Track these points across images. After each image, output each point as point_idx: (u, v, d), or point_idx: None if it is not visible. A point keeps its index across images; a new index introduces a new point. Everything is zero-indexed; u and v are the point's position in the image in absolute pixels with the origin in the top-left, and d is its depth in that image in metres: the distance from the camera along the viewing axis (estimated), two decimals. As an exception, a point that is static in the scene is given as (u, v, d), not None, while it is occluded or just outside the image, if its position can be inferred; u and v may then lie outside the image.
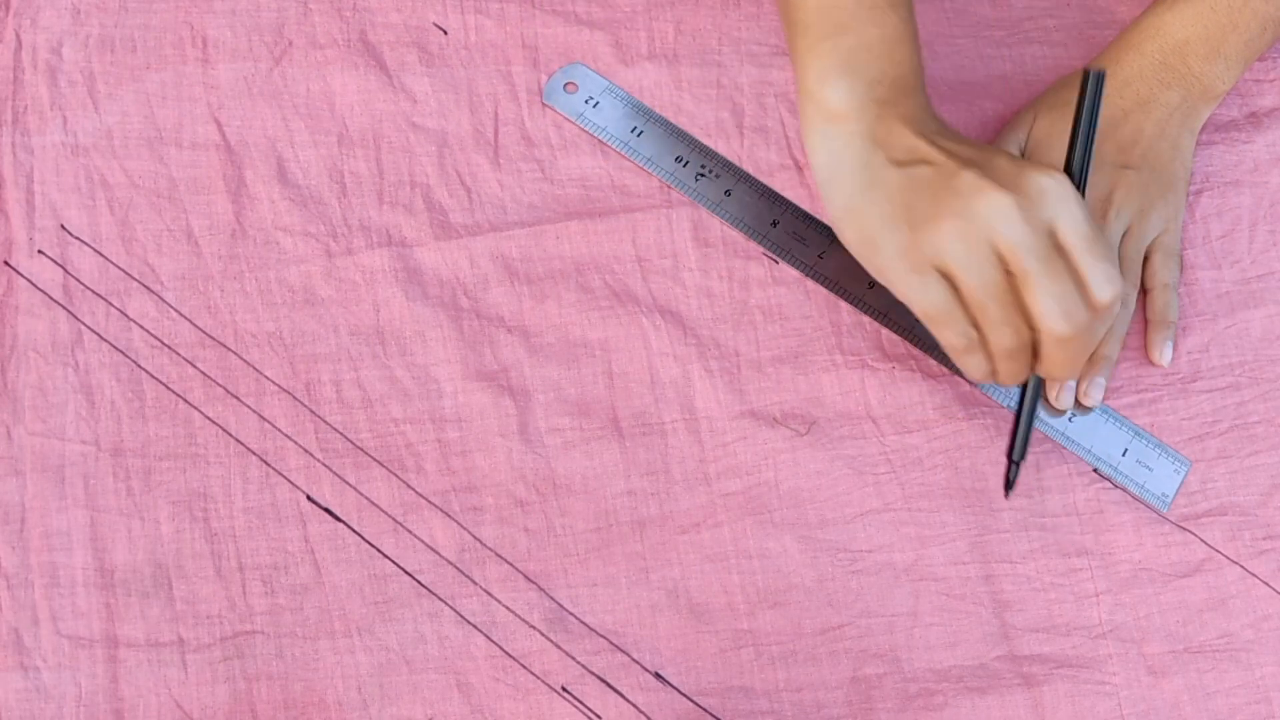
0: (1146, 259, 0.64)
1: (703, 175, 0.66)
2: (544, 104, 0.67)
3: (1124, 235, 0.63)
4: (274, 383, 0.62)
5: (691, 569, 0.60)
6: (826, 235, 0.65)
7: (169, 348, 0.62)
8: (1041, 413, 0.61)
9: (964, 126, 0.68)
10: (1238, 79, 0.64)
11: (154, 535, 0.59)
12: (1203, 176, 0.67)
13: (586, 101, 0.67)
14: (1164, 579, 0.60)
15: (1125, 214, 0.63)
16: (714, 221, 0.66)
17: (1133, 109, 0.64)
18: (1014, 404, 0.62)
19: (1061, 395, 0.61)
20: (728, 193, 0.66)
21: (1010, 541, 0.60)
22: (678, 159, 0.66)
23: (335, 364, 0.62)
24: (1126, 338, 0.63)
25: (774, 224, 0.65)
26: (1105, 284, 0.52)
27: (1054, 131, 0.64)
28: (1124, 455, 0.61)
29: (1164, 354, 0.63)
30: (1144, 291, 0.64)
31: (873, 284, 0.63)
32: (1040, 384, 0.58)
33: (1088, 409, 0.62)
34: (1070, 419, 0.62)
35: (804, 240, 0.65)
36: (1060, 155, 0.63)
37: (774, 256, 0.65)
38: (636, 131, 0.67)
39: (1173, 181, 0.64)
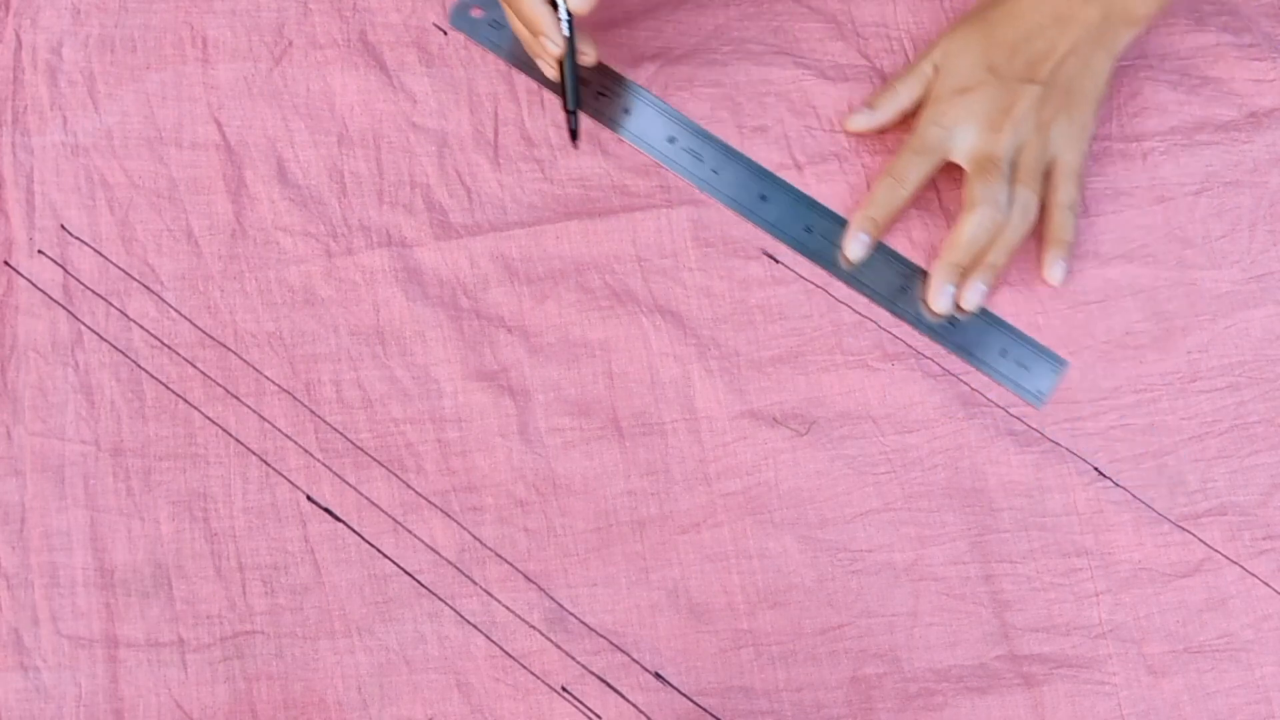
0: (1048, 178, 0.65)
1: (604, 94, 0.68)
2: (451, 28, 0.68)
3: (1021, 149, 0.64)
4: (274, 383, 0.62)
5: (691, 569, 0.60)
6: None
7: (169, 348, 0.62)
8: (923, 315, 0.63)
9: (964, 126, 0.68)
10: (1161, 5, 0.64)
11: (154, 535, 0.59)
12: (1203, 176, 0.67)
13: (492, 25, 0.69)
14: (1164, 579, 0.60)
15: (1022, 128, 0.63)
16: (714, 221, 0.66)
17: (1049, 25, 0.64)
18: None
19: (939, 298, 0.63)
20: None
21: (1010, 541, 0.60)
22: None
23: (335, 364, 0.62)
24: (1128, 337, 0.63)
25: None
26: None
27: (964, 43, 0.65)
28: (1002, 355, 0.63)
29: (1055, 272, 0.64)
30: (1044, 211, 0.65)
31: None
32: (571, 42, 0.62)
33: (969, 313, 0.63)
34: (951, 323, 0.63)
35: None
36: (965, 66, 0.65)
37: (773, 255, 0.65)
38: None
39: (1079, 100, 0.64)
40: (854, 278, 0.64)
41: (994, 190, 0.63)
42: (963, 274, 0.63)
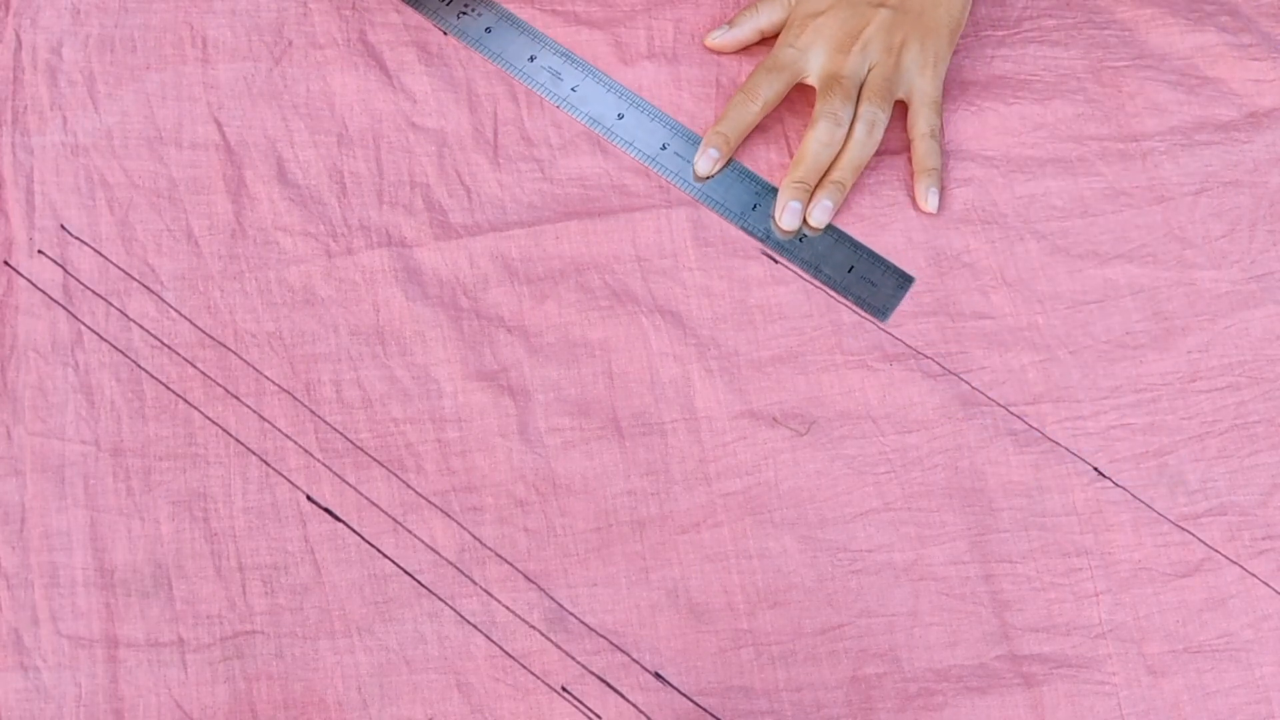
0: (907, 109, 0.67)
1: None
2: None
3: (870, 70, 0.66)
4: (274, 383, 0.62)
5: (691, 569, 0.60)
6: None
7: (169, 348, 0.62)
8: (773, 232, 0.65)
9: (964, 127, 0.68)
10: None
11: (154, 535, 0.59)
12: (1203, 176, 0.67)
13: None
14: (1164, 579, 0.60)
15: (872, 50, 0.65)
16: (714, 221, 0.66)
17: None
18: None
19: (785, 215, 0.65)
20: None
21: (1010, 541, 0.60)
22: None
23: (335, 364, 0.62)
24: (1128, 336, 0.63)
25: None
26: None
27: None
28: (850, 272, 0.64)
29: (928, 200, 0.65)
30: (909, 142, 0.67)
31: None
32: None
33: (816, 230, 0.65)
34: (800, 239, 0.65)
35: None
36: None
37: (772, 255, 0.65)
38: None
39: (932, 27, 0.66)
40: (707, 195, 0.66)
41: (834, 105, 0.65)
42: (810, 192, 0.65)
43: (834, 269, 0.64)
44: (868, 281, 0.64)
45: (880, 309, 0.64)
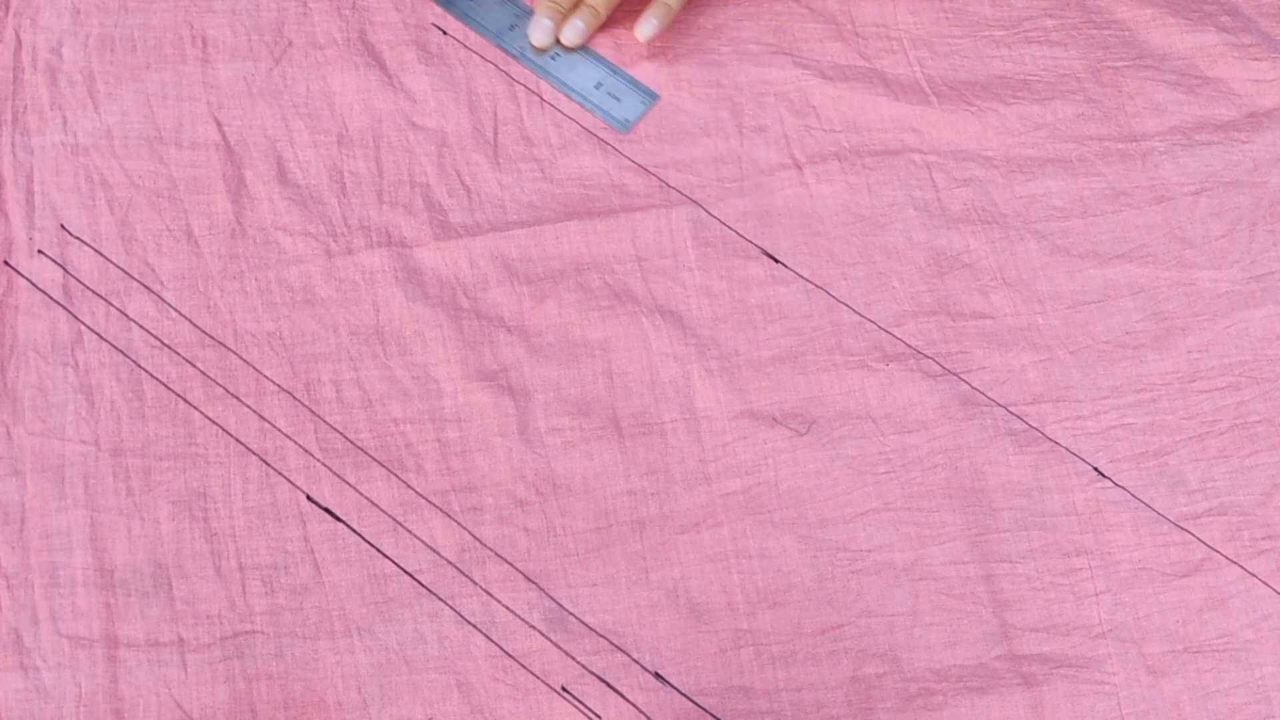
0: None
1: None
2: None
3: None
4: (274, 383, 0.62)
5: (691, 569, 0.60)
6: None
7: (169, 348, 0.62)
8: (527, 50, 0.69)
9: (963, 127, 0.68)
10: None
11: (154, 535, 0.59)
12: (1203, 176, 0.67)
13: None
14: (1164, 579, 0.60)
15: None
16: (713, 221, 0.66)
17: None
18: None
19: (536, 32, 0.69)
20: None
21: (1010, 541, 0.60)
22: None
23: (335, 364, 0.62)
24: (1128, 336, 0.63)
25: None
26: None
27: None
28: (596, 88, 0.68)
29: (643, 28, 0.68)
30: None
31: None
32: None
33: (569, 48, 0.69)
34: (554, 57, 0.69)
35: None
36: None
37: (772, 255, 0.65)
38: None
39: None
40: (467, 15, 0.69)
41: None
42: (564, 13, 0.69)
43: (581, 84, 0.68)
44: (613, 97, 0.68)
45: (622, 121, 0.67)
